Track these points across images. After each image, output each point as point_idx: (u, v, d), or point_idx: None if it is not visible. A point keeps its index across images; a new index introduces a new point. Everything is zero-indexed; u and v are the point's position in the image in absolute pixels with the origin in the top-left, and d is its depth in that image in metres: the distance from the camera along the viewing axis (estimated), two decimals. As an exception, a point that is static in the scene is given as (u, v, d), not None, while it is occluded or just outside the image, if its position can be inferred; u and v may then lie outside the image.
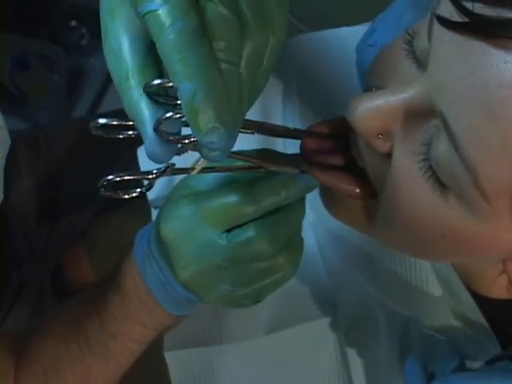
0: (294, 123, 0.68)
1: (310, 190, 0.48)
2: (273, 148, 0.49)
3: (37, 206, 1.05)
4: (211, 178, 0.49)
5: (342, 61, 0.66)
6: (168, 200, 0.51)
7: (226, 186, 0.48)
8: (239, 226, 0.48)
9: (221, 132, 0.33)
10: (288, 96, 0.70)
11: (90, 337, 0.57)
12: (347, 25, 0.69)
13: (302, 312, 0.67)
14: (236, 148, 0.46)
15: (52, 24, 1.56)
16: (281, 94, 0.71)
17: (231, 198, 0.47)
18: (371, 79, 0.44)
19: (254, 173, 0.48)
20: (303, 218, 0.51)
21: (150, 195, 0.72)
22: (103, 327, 0.56)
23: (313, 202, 0.52)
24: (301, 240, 0.52)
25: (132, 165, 0.75)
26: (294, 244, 0.50)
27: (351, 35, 0.63)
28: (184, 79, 0.32)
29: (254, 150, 0.47)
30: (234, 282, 0.50)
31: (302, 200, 0.50)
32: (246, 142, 0.50)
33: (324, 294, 0.67)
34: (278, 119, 0.70)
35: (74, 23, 1.55)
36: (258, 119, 0.45)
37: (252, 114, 0.44)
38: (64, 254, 1.09)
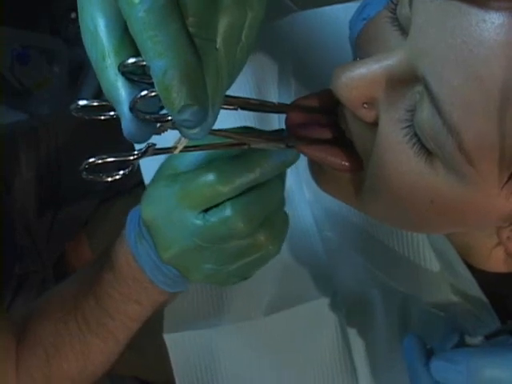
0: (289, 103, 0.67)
1: (286, 166, 0.48)
2: (269, 124, 0.49)
3: (37, 196, 1.06)
4: (193, 157, 0.49)
5: (336, 38, 0.65)
6: (152, 181, 0.51)
7: (202, 167, 0.48)
8: (216, 206, 0.48)
9: (194, 109, 0.32)
10: (283, 77, 0.70)
11: (87, 315, 0.58)
12: (340, 3, 0.68)
13: (302, 292, 0.67)
14: (233, 126, 0.46)
15: (52, 17, 1.56)
16: (276, 75, 0.71)
17: (206, 179, 0.47)
18: (358, 50, 0.43)
19: (238, 150, 0.47)
20: (282, 194, 0.51)
21: (147, 180, 0.72)
22: (99, 306, 0.57)
23: (309, 180, 0.52)
24: (284, 217, 0.52)
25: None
26: (274, 221, 0.50)
27: (345, 12, 0.63)
28: (155, 57, 0.32)
29: (237, 128, 0.47)
30: (217, 261, 0.50)
31: (281, 176, 0.50)
32: (242, 119, 0.50)
33: (323, 274, 0.67)
34: (273, 99, 0.69)
35: (74, 15, 1.56)
36: None
37: (247, 95, 0.44)
38: (66, 244, 1.09)
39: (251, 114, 0.46)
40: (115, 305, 0.56)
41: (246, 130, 0.47)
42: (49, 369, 0.60)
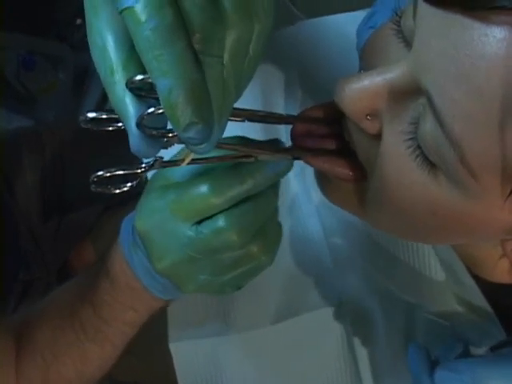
0: (295, 113, 0.68)
1: (278, 176, 0.48)
2: (276, 135, 0.49)
3: (42, 202, 1.06)
4: (185, 169, 0.49)
5: (343, 47, 0.65)
6: (145, 191, 0.51)
7: (194, 179, 0.48)
8: (209, 218, 0.48)
9: (199, 127, 0.33)
10: (289, 85, 0.70)
11: (84, 322, 0.58)
12: (347, 11, 0.68)
13: (308, 301, 0.67)
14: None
15: (58, 23, 1.57)
16: (282, 83, 0.71)
17: (198, 191, 0.47)
18: (363, 62, 0.43)
19: (244, 162, 0.47)
20: (276, 205, 0.51)
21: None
22: (96, 312, 0.57)
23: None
24: (277, 227, 0.52)
25: (137, 160, 0.75)
26: (267, 232, 0.50)
27: (352, 20, 0.63)
28: (160, 76, 0.32)
29: (231, 137, 0.47)
30: (210, 271, 0.51)
31: (274, 187, 0.50)
32: (249, 130, 0.50)
33: (329, 282, 0.67)
34: (279, 109, 0.69)
35: (79, 22, 1.56)
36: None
37: (253, 106, 0.44)
38: (71, 250, 1.09)
39: (258, 125, 0.46)
40: (112, 312, 0.57)
41: (239, 141, 0.48)
42: (47, 375, 0.60)
